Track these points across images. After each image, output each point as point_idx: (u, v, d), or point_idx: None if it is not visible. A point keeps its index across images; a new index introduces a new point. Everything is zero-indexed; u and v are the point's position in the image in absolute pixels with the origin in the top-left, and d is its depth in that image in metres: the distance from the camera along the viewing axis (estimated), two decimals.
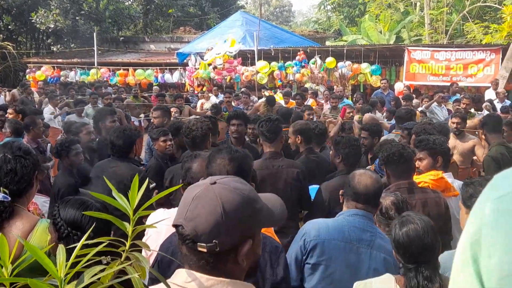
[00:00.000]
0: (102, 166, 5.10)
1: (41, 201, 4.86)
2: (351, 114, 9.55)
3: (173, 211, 2.15)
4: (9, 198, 2.74)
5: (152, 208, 1.49)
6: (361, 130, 7.08)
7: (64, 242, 2.12)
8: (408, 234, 2.63)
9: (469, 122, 8.73)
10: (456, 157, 7.04)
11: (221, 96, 14.18)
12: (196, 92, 18.14)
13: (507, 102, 11.88)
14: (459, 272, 0.87)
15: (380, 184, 3.22)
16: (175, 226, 1.53)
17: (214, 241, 1.46)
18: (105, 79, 20.29)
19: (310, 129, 5.87)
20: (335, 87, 15.71)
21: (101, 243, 1.35)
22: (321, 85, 16.79)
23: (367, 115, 9.14)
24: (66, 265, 1.25)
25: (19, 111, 8.62)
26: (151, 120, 7.66)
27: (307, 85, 16.39)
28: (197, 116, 8.09)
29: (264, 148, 5.00)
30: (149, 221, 2.80)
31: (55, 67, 21.95)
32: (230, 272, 1.55)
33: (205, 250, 1.46)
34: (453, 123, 7.42)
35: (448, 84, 14.35)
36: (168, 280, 1.47)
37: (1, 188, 2.75)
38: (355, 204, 3.14)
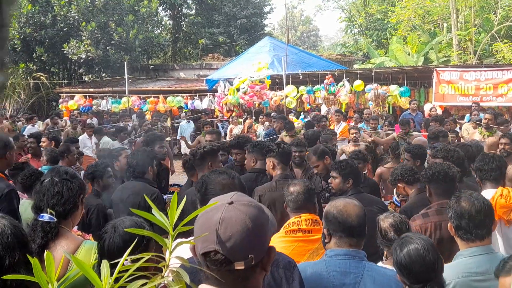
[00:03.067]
0: (121, 188, 5.29)
1: None
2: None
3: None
4: (55, 219, 2.88)
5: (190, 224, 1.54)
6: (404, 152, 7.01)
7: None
8: (410, 254, 2.63)
9: (491, 139, 8.56)
10: None
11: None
12: (225, 118, 18.30)
13: None
14: None
15: (364, 210, 2.94)
16: (203, 254, 1.55)
17: (250, 255, 1.51)
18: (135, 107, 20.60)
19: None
20: (371, 108, 15.65)
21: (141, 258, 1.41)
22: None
23: (416, 138, 9.12)
24: (110, 280, 1.32)
25: (51, 139, 8.88)
26: None
27: (322, 108, 16.72)
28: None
29: None
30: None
31: (87, 96, 22.33)
32: (258, 283, 1.62)
33: (243, 267, 1.51)
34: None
35: None
36: None
37: (48, 210, 2.89)
38: (349, 241, 2.80)
